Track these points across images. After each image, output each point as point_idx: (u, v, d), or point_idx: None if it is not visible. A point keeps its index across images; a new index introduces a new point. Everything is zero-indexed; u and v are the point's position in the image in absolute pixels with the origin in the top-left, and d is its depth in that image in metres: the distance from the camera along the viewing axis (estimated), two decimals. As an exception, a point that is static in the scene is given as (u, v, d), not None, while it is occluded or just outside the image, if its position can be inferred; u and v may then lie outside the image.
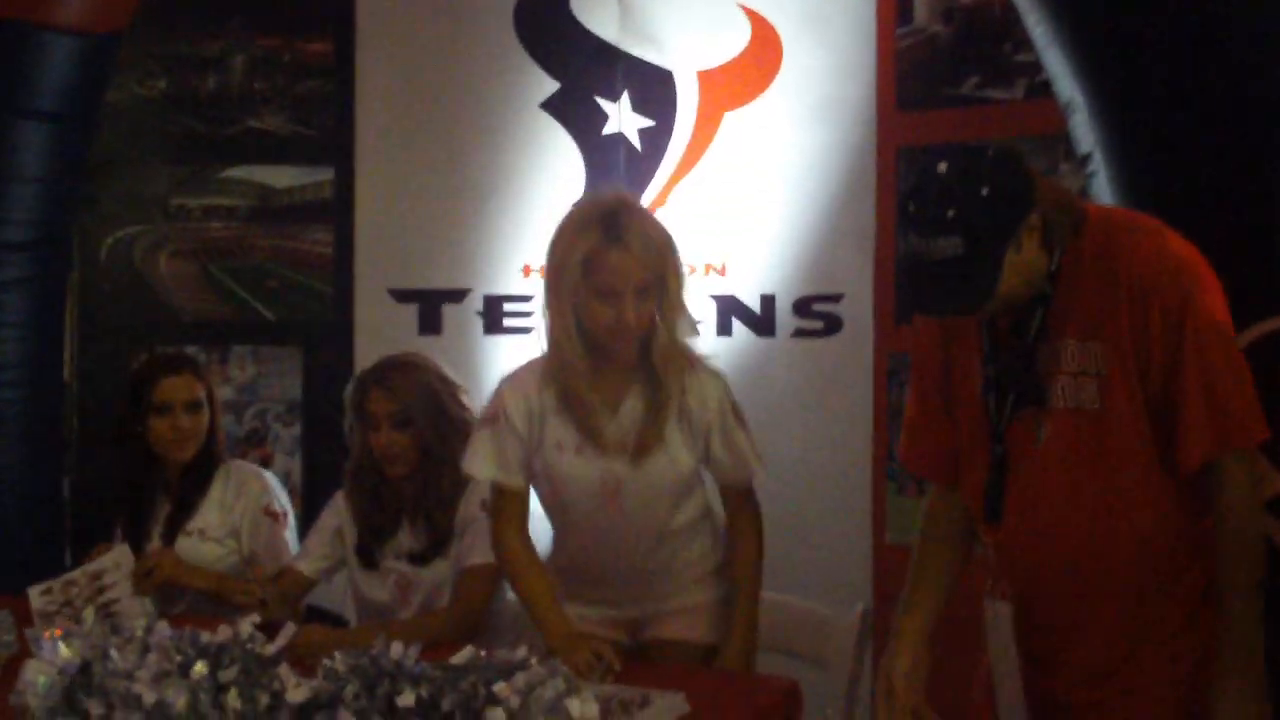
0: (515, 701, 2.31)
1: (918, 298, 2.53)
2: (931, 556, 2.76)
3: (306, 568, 3.62)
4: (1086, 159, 3.15)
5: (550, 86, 4.81)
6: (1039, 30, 3.18)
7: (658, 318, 3.01)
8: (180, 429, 3.78)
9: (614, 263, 2.94)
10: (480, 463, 3.14)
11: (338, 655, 2.49)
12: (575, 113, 4.78)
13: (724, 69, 4.62)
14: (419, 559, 3.48)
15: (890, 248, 4.38)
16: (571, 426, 3.07)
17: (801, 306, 4.54)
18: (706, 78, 4.63)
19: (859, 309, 4.47)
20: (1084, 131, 3.15)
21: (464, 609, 3.37)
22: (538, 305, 4.67)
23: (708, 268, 4.61)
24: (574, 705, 2.33)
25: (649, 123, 4.68)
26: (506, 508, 3.16)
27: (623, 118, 4.70)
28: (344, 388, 4.63)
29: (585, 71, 4.77)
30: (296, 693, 2.44)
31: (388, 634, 2.71)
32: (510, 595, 3.37)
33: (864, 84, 4.44)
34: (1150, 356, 2.45)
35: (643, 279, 2.95)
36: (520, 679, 2.37)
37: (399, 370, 3.53)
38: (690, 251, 4.44)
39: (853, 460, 4.47)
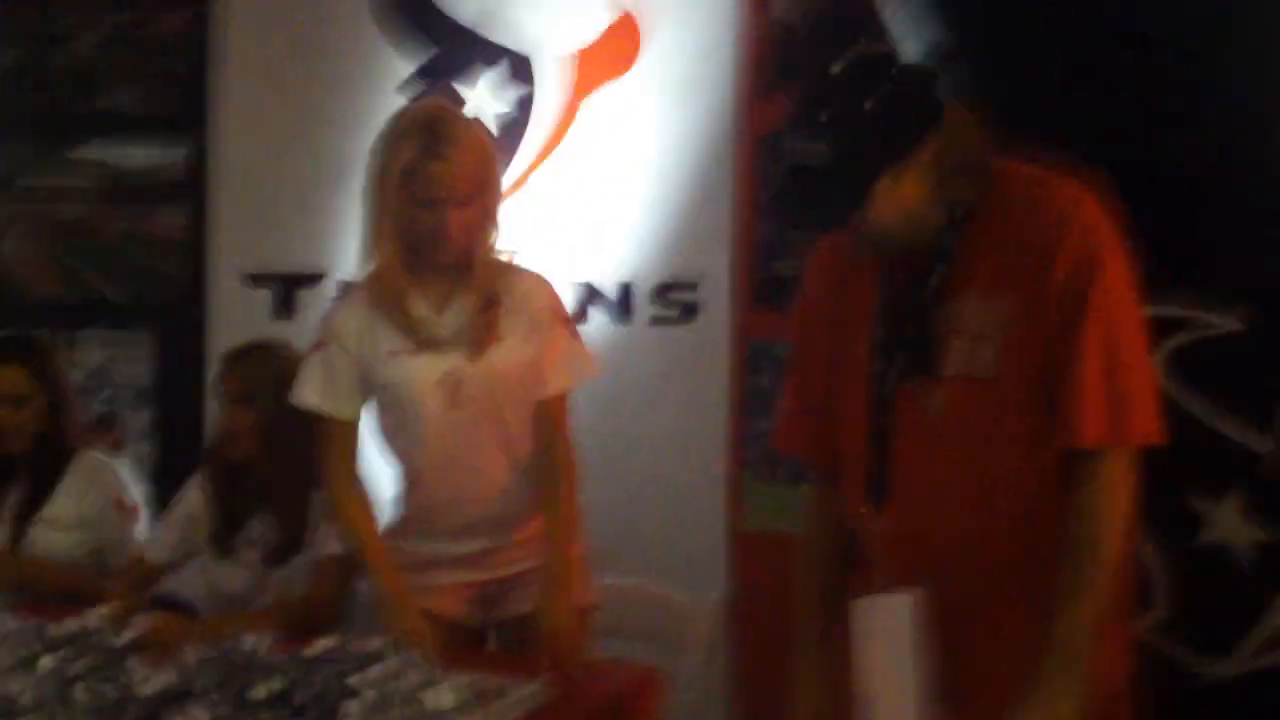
0: (371, 694, 2.30)
1: (777, 200, 2.39)
2: (819, 581, 2.56)
3: (155, 556, 3.57)
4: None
5: (408, 70, 4.76)
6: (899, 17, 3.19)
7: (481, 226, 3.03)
8: (1, 423, 3.71)
9: (435, 173, 2.93)
10: (308, 391, 3.12)
11: (189, 648, 2.46)
12: (432, 95, 4.72)
13: (584, 53, 4.59)
14: (273, 558, 3.43)
15: (749, 234, 4.39)
16: (402, 331, 3.05)
17: (659, 293, 4.53)
18: (566, 62, 4.60)
19: (715, 295, 4.46)
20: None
21: (319, 598, 3.34)
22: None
23: (566, 255, 4.58)
24: (430, 696, 2.33)
25: (508, 109, 4.65)
26: (336, 443, 3.12)
27: (481, 103, 4.67)
28: (195, 373, 4.59)
29: (442, 56, 4.72)
30: (147, 686, 2.40)
31: (242, 625, 2.69)
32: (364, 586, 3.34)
33: (724, 68, 4.43)
34: (1050, 313, 2.23)
35: (463, 190, 2.95)
36: (376, 671, 2.36)
37: (255, 350, 3.53)
38: (549, 239, 4.54)
39: (709, 446, 4.46)
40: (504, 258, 3.11)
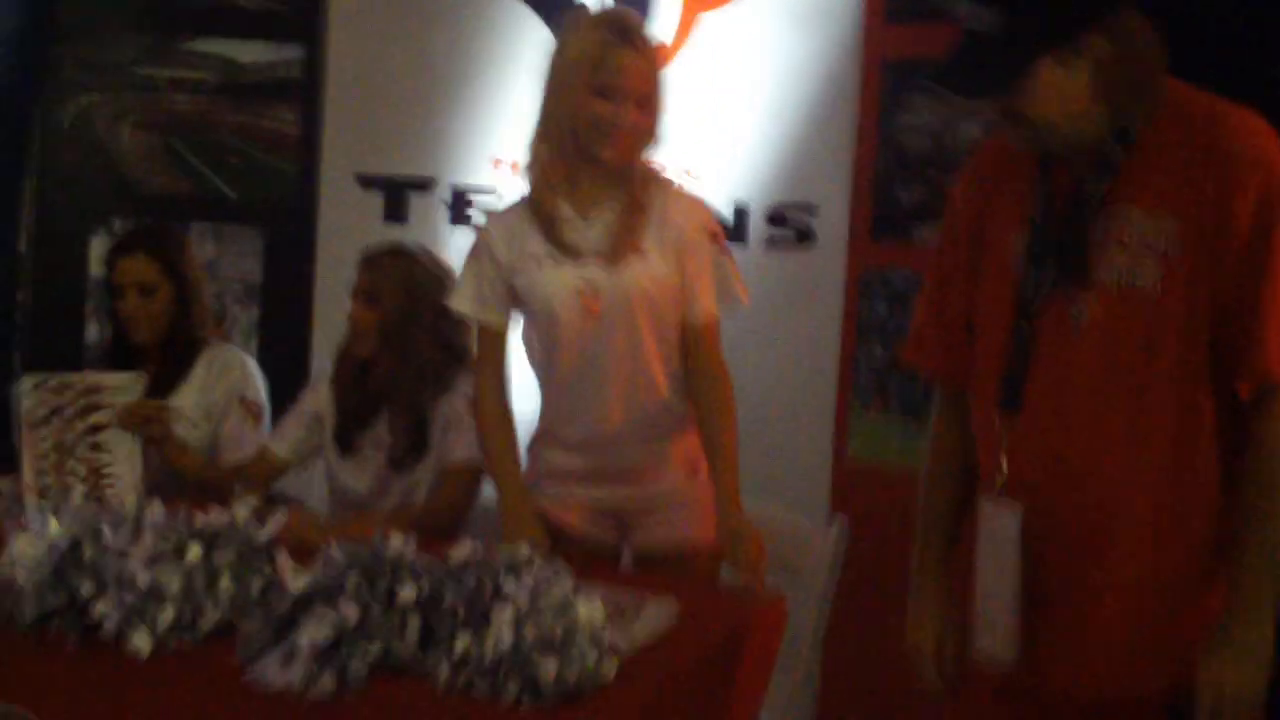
0: (524, 600, 2.31)
1: (948, 67, 2.33)
2: (942, 502, 2.60)
3: (282, 449, 3.59)
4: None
5: (523, -28, 4.73)
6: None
7: (645, 139, 3.03)
8: (129, 312, 3.73)
9: (624, 62, 2.95)
10: (462, 298, 3.15)
11: (335, 545, 2.47)
12: (551, 2, 4.69)
13: (706, -28, 4.53)
14: (396, 461, 3.45)
15: (869, 161, 4.33)
16: (546, 236, 3.05)
17: (775, 216, 4.48)
18: (688, -19, 4.55)
19: (833, 222, 4.40)
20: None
21: (445, 505, 3.35)
22: (505, 198, 4.70)
23: (684, 173, 4.54)
24: (582, 607, 2.33)
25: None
26: (486, 352, 3.16)
27: (596, 6, 4.62)
28: (303, 272, 4.60)
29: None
30: (297, 581, 2.42)
31: (369, 527, 2.71)
32: (490, 495, 3.36)
33: (851, -6, 4.36)
34: (1229, 245, 2.23)
35: (643, 88, 2.96)
36: (528, 577, 2.36)
37: (389, 253, 3.54)
38: (662, 154, 4.50)
39: (819, 373, 4.44)
40: (664, 175, 3.10)
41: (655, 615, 2.63)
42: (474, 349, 3.33)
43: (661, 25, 4.55)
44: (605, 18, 3.01)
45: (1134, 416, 2.30)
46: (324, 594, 2.39)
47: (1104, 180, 2.33)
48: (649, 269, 3.03)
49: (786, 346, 4.47)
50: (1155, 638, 2.33)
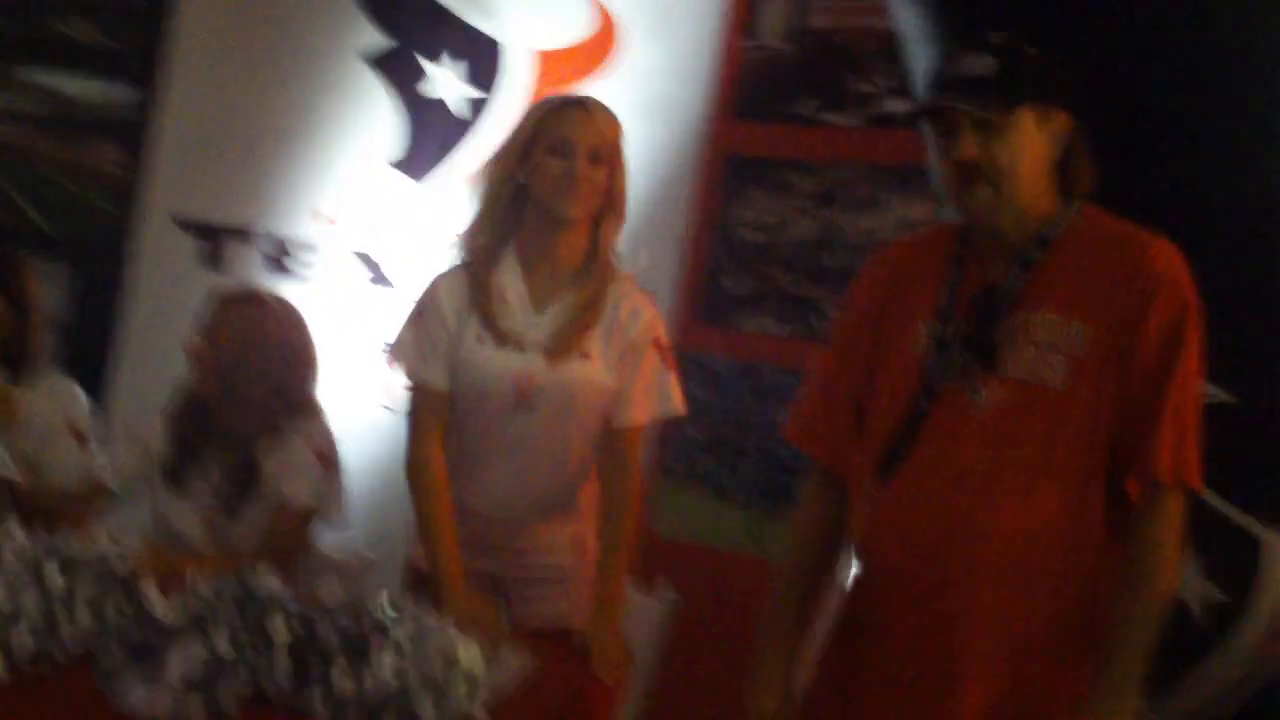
0: (406, 641, 2.31)
1: (932, 103, 2.46)
2: (798, 573, 2.65)
3: (113, 483, 3.50)
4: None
5: (375, 38, 4.77)
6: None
7: (604, 216, 3.01)
8: None
9: (572, 117, 2.97)
10: (404, 356, 3.07)
11: (198, 577, 2.43)
12: (396, 69, 4.74)
13: (560, 52, 4.62)
14: (226, 503, 3.40)
15: (702, 254, 4.43)
16: (493, 319, 3.00)
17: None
18: (540, 58, 4.63)
19: (660, 304, 4.45)
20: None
21: (283, 549, 3.30)
22: (323, 253, 4.70)
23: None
24: (462, 651, 2.34)
25: (473, 91, 4.67)
26: (425, 414, 3.05)
27: (445, 82, 4.68)
28: (112, 310, 4.52)
29: (412, 28, 4.74)
30: (167, 611, 2.37)
31: (209, 567, 2.68)
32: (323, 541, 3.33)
33: (700, 87, 4.46)
34: (1137, 357, 2.38)
35: (598, 143, 2.96)
36: (410, 622, 2.36)
37: (240, 297, 3.51)
38: None
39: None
40: (622, 273, 3.09)
41: (511, 663, 2.63)
42: (315, 398, 3.31)
43: (507, 100, 4.61)
44: (557, 94, 3.09)
45: (1020, 503, 2.39)
46: (194, 625, 2.35)
47: (1021, 278, 2.46)
48: (591, 373, 3.01)
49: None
50: (1017, 715, 2.41)
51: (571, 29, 4.63)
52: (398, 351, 3.10)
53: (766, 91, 4.41)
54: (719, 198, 4.43)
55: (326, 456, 3.41)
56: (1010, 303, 2.45)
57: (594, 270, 3.03)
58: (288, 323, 3.50)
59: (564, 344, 2.99)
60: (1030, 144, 2.43)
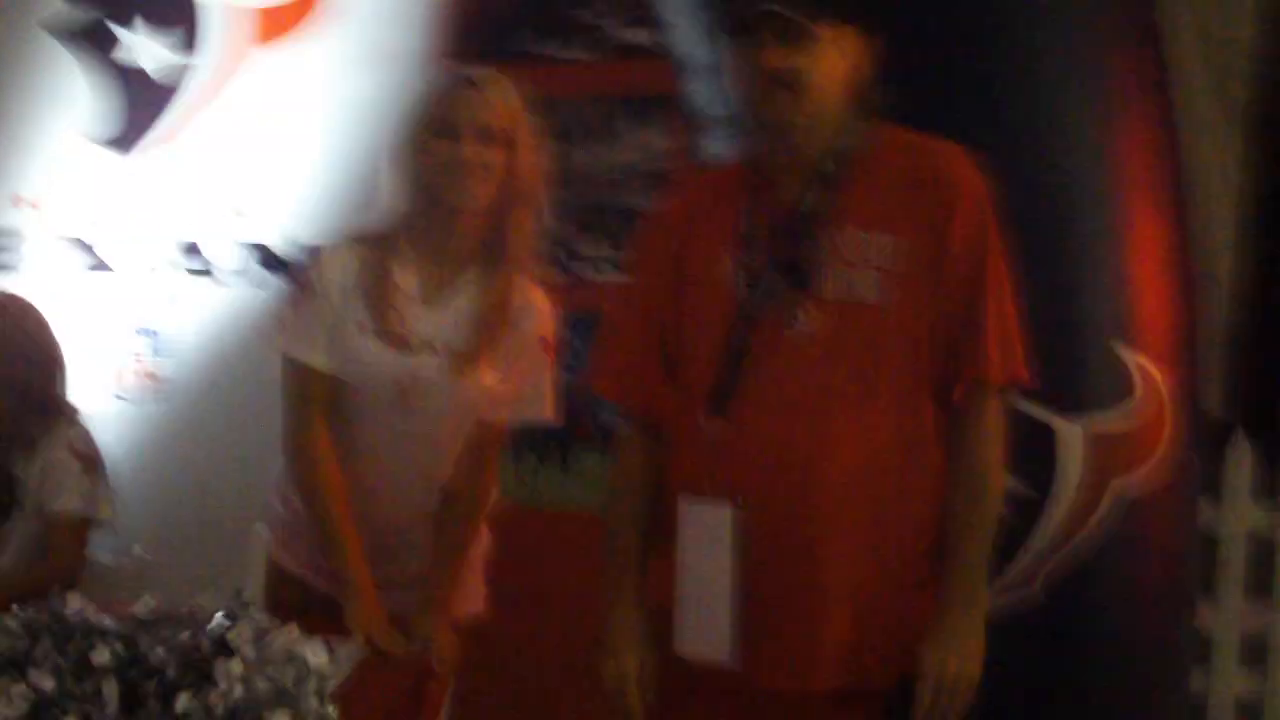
0: (250, 650, 2.15)
1: (751, 8, 2.38)
2: (632, 526, 2.54)
3: None
4: (718, 123, 3.24)
5: (58, 6, 4.50)
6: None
7: (508, 203, 2.73)
8: None
9: (457, 96, 2.71)
10: (287, 337, 2.77)
11: (3, 616, 2.23)
12: (85, 38, 4.47)
13: (269, 9, 4.40)
14: None
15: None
16: (380, 313, 2.73)
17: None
18: (238, 12, 4.40)
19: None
20: (716, 94, 3.22)
21: (62, 561, 3.09)
22: (26, 239, 4.43)
23: (240, 212, 4.40)
24: (310, 654, 2.20)
25: (168, 53, 4.42)
26: (310, 394, 2.76)
27: (143, 48, 4.42)
28: None
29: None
30: (-25, 652, 2.16)
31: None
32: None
33: (415, 33, 4.31)
34: (945, 262, 2.37)
35: (488, 122, 2.68)
36: (247, 627, 2.21)
37: None
38: (211, 197, 4.36)
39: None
40: (527, 265, 2.82)
41: (349, 655, 2.51)
42: (66, 398, 3.06)
43: (208, 59, 4.38)
44: (445, 72, 2.86)
45: (856, 423, 2.37)
46: (10, 666, 2.15)
47: (823, 197, 2.42)
48: (489, 379, 2.78)
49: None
50: (881, 635, 2.39)
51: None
52: (275, 325, 2.82)
53: (490, 31, 4.29)
54: None
55: (88, 458, 3.21)
56: (815, 222, 2.42)
57: (497, 265, 2.77)
58: (24, 321, 3.26)
59: (470, 351, 2.75)
60: (835, 59, 2.40)
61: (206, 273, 4.42)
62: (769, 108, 2.42)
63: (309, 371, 2.75)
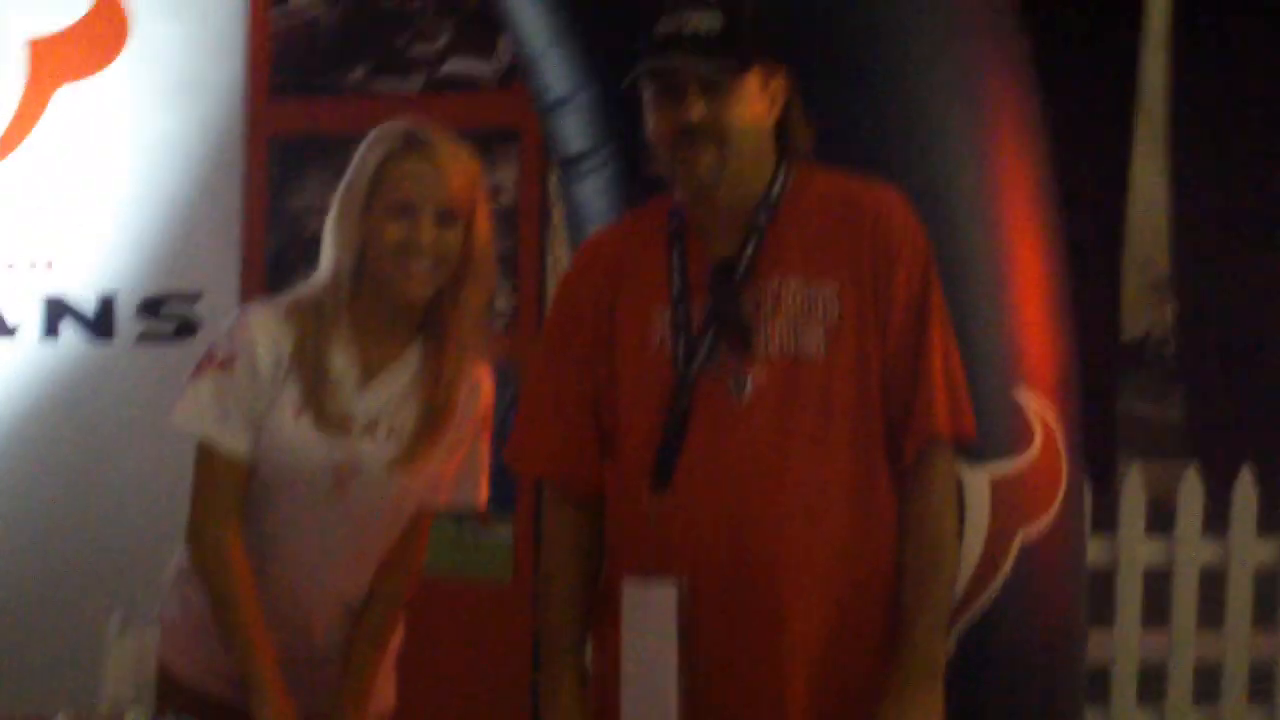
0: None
1: (660, 64, 2.26)
2: (568, 603, 2.40)
3: None
4: (586, 155, 3.06)
5: None
6: (539, 27, 3.06)
7: (459, 282, 2.47)
8: None
9: (412, 170, 2.42)
10: (196, 414, 2.45)
11: None
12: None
13: (56, 38, 4.07)
14: None
15: (259, 243, 4.06)
16: (316, 394, 2.45)
17: (149, 307, 4.08)
18: (36, 47, 4.06)
19: (221, 309, 3.96)
20: (580, 128, 3.06)
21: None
22: None
23: (33, 262, 4.06)
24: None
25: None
26: (222, 483, 2.45)
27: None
28: None
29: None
30: None
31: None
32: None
33: (231, 66, 4.07)
34: (891, 315, 2.28)
35: (447, 199, 2.42)
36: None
37: None
38: (12, 244, 4.05)
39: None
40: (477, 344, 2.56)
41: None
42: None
43: (6, 99, 4.03)
44: (391, 129, 2.49)
45: (810, 485, 2.25)
46: None
47: (754, 246, 2.30)
48: (430, 467, 2.52)
49: (163, 456, 4.02)
50: (841, 701, 2.28)
51: (66, 9, 4.09)
52: (187, 411, 2.48)
53: (306, 63, 4.06)
54: (270, 185, 4.07)
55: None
56: (752, 275, 2.30)
57: (442, 343, 2.50)
58: None
59: (415, 443, 2.48)
60: (755, 104, 2.29)
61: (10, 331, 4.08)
62: (690, 162, 2.28)
63: (225, 457, 2.45)
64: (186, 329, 4.08)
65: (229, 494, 2.46)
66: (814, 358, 2.26)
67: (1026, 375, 3.01)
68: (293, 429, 2.46)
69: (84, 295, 4.08)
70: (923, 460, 2.30)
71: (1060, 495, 3.03)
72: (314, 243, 2.53)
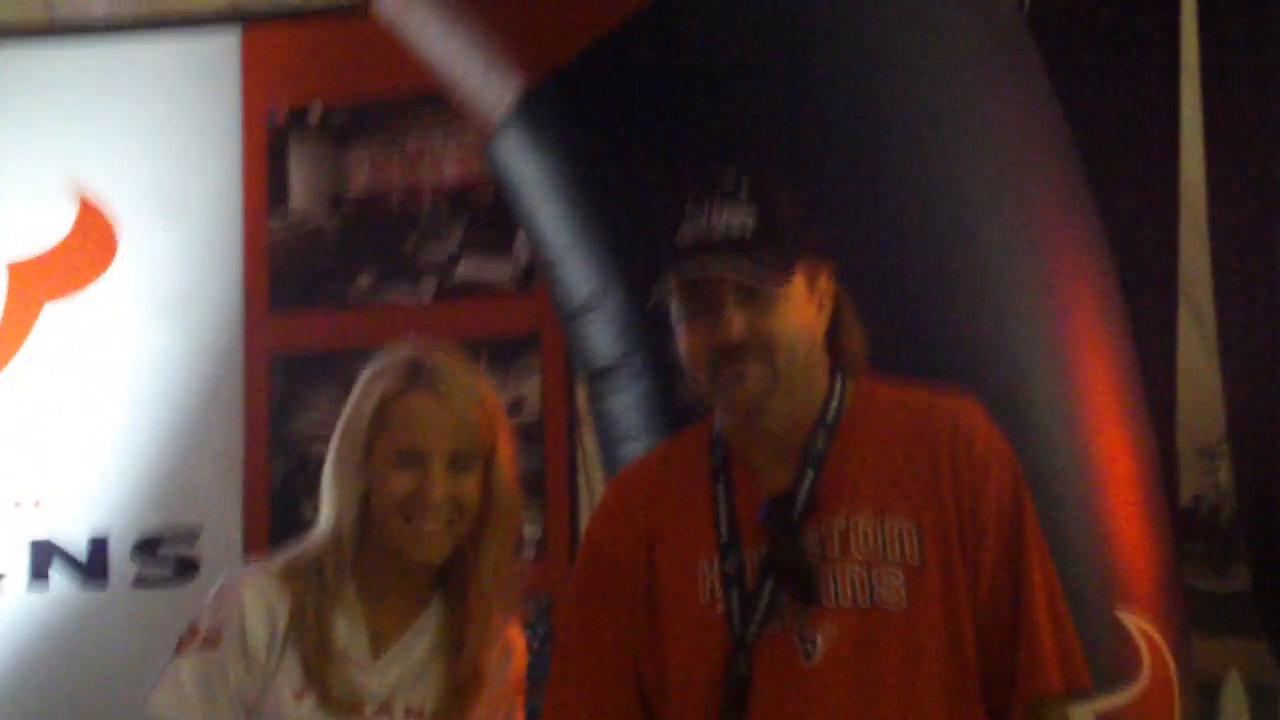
0: None
1: (689, 268, 1.93)
2: None
3: None
4: (614, 368, 2.74)
5: None
6: (557, 229, 2.77)
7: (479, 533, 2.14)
8: None
9: (419, 408, 2.10)
10: (177, 703, 2.09)
11: None
12: None
13: (37, 260, 3.83)
14: None
15: (262, 470, 3.74)
16: (321, 674, 2.09)
17: (145, 548, 3.75)
18: (16, 270, 3.81)
19: (223, 545, 3.73)
20: (607, 337, 2.76)
21: None
22: None
23: (18, 501, 3.75)
24: None
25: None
26: None
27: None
28: None
29: None
30: None
31: None
32: None
33: (227, 279, 3.80)
34: (982, 551, 1.95)
35: (460, 444, 2.11)
36: None
37: None
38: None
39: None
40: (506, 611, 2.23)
41: None
42: None
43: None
44: (392, 360, 2.17)
45: None
46: None
47: (810, 479, 1.96)
48: None
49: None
50: None
51: (47, 229, 3.84)
52: (170, 688, 2.11)
53: (308, 272, 3.79)
54: (271, 406, 3.76)
55: None
56: (808, 511, 1.95)
57: (464, 600, 2.15)
58: None
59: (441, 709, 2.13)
60: (803, 310, 1.97)
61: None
62: (733, 384, 1.95)
63: None
64: (186, 569, 3.75)
65: None
66: (894, 608, 1.92)
67: (1127, 593, 2.64)
68: (294, 714, 2.10)
69: (74, 536, 3.75)
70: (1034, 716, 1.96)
71: (1172, 720, 2.69)
72: (320, 473, 2.21)
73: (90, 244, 3.81)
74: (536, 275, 3.44)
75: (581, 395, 3.34)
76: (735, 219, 1.94)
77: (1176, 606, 2.78)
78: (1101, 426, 2.71)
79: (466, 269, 3.66)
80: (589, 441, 3.43)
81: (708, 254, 1.93)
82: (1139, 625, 2.63)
